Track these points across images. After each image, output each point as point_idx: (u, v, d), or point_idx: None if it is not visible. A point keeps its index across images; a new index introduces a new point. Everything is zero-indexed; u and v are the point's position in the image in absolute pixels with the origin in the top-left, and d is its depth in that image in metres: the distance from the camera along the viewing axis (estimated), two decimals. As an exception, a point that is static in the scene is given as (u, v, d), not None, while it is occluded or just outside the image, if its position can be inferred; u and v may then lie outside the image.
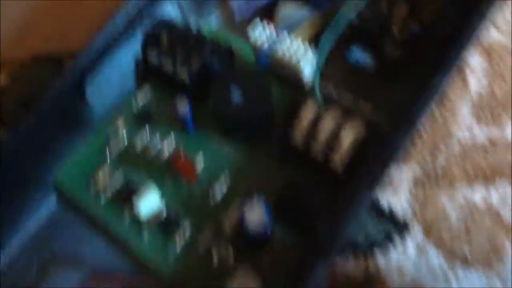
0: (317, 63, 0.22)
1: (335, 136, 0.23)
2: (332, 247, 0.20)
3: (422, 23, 0.28)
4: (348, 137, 0.23)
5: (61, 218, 0.26)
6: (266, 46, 0.26)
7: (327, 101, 0.24)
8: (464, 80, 0.33)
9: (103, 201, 0.25)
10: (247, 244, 0.23)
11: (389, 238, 0.29)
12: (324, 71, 0.29)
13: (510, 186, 0.30)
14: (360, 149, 0.23)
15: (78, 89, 0.25)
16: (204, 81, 0.26)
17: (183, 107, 0.24)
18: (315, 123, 0.23)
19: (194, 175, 0.24)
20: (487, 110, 0.33)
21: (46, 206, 0.27)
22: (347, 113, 0.23)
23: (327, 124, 0.23)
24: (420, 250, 0.27)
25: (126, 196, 0.24)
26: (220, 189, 0.25)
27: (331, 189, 0.24)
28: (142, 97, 0.28)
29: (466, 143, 0.32)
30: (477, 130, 0.32)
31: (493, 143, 0.32)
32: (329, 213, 0.22)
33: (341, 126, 0.23)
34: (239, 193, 0.24)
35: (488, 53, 0.36)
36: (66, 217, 0.26)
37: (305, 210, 0.23)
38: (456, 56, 0.21)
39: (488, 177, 0.30)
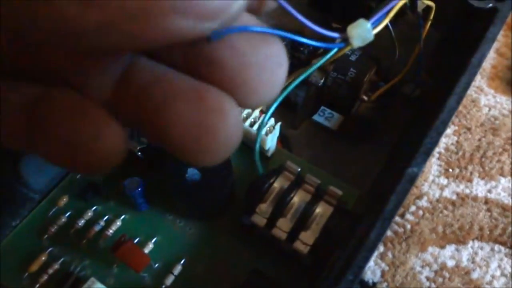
0: (261, 123, 0.20)
1: (301, 216, 0.21)
2: None
3: (390, 84, 0.27)
4: (316, 217, 0.21)
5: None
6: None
7: (298, 179, 0.22)
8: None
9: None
10: None
11: (358, 304, 0.28)
12: (292, 134, 0.28)
13: (479, 244, 0.29)
14: (328, 232, 0.21)
15: (12, 165, 0.22)
16: (158, 153, 0.23)
17: (133, 185, 0.22)
18: (281, 201, 0.21)
19: (141, 263, 0.21)
20: (455, 165, 0.32)
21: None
22: (315, 193, 0.22)
23: (294, 203, 0.21)
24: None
25: (64, 286, 0.21)
26: (174, 276, 0.22)
27: (297, 274, 0.22)
28: (88, 171, 0.25)
29: (435, 199, 0.31)
30: (445, 186, 0.31)
31: (461, 198, 0.31)
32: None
33: (309, 206, 0.21)
34: (195, 280, 0.22)
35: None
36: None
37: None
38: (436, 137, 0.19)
39: (457, 235, 0.29)
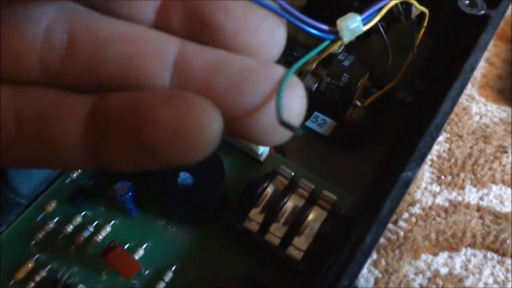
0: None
1: (295, 221, 0.21)
2: None
3: (384, 90, 0.27)
4: (310, 222, 0.21)
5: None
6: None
7: (291, 183, 0.22)
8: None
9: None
10: None
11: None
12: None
13: (472, 251, 0.29)
14: (322, 237, 0.21)
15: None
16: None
17: (124, 189, 0.21)
18: (274, 206, 0.21)
19: (131, 270, 0.21)
20: (447, 172, 0.32)
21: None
22: (309, 198, 0.21)
23: (288, 208, 0.21)
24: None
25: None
26: (165, 283, 0.22)
27: (291, 280, 0.21)
28: (79, 176, 0.25)
29: (428, 206, 0.31)
30: (438, 194, 0.31)
31: (454, 205, 0.31)
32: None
33: (302, 211, 0.21)
34: (187, 287, 0.21)
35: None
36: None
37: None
38: (427, 146, 0.19)
39: (450, 242, 0.29)
